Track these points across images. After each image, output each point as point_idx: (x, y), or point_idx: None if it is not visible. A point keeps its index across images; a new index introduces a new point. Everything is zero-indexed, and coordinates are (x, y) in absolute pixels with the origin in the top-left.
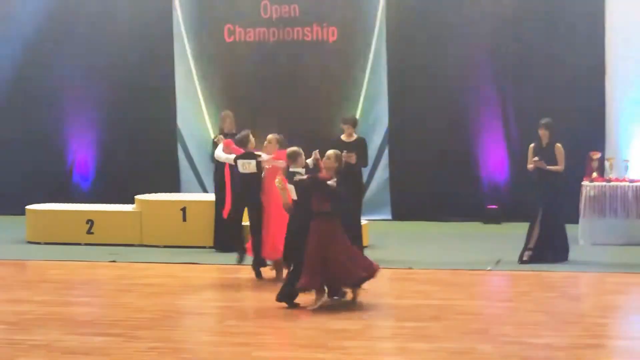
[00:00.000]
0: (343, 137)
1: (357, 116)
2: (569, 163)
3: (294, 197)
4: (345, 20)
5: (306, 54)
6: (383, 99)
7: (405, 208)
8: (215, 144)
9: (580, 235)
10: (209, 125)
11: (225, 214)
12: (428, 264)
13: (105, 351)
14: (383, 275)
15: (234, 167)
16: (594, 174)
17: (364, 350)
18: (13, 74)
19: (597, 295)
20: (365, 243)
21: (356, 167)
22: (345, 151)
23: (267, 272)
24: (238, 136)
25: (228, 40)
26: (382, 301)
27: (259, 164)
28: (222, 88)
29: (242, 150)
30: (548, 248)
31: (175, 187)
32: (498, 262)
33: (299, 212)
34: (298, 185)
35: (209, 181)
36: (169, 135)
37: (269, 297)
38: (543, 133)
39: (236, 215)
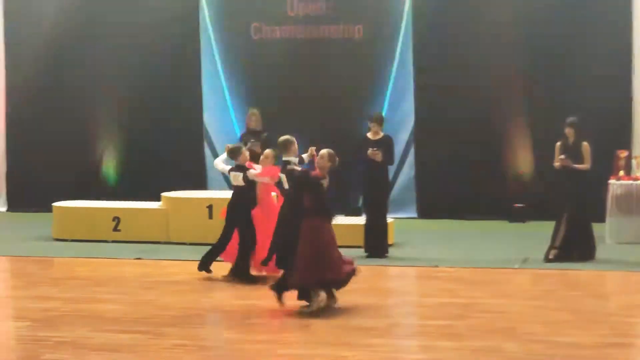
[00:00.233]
0: (369, 135)
1: (384, 114)
2: (596, 161)
3: (286, 186)
4: (372, 17)
5: (332, 51)
6: (409, 97)
7: (431, 206)
8: (244, 142)
9: (607, 234)
10: (235, 123)
11: None
12: (454, 262)
13: (131, 348)
14: (409, 273)
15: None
16: (621, 173)
17: (389, 348)
18: (42, 73)
19: (623, 294)
20: (391, 241)
21: (382, 164)
22: (370, 149)
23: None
24: (231, 147)
25: (255, 38)
26: (407, 299)
27: (245, 178)
28: (248, 86)
29: (253, 165)
30: (574, 247)
31: (202, 185)
32: (525, 260)
33: (287, 203)
34: (289, 176)
35: None
36: (195, 132)
37: (292, 295)
38: (569, 131)
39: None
